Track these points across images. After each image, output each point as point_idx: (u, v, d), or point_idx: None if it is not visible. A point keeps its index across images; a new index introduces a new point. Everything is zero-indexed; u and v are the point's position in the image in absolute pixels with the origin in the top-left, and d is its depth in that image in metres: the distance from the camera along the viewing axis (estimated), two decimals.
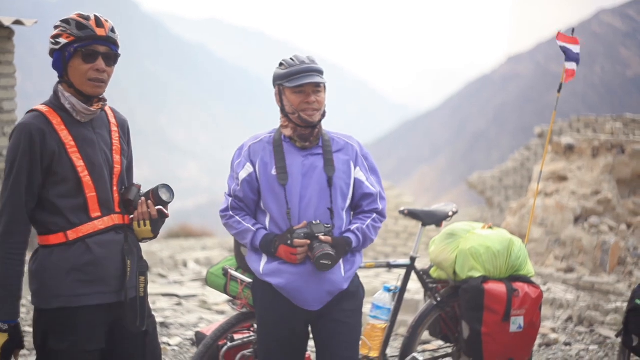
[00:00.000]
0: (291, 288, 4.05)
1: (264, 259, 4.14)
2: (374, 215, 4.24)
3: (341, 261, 4.12)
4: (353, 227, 4.16)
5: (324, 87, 4.11)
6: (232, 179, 4.19)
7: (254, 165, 4.14)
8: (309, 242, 3.98)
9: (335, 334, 4.14)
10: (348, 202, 4.18)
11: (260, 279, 4.16)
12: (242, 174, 4.15)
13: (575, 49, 6.11)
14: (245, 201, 4.17)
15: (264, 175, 4.11)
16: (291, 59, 4.13)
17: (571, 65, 6.10)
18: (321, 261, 3.94)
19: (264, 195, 4.11)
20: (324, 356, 4.17)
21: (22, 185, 3.50)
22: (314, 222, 4.03)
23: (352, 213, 4.26)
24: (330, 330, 4.14)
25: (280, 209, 4.08)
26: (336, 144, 4.21)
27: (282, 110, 4.15)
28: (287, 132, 4.15)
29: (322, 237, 4.00)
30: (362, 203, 4.23)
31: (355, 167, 4.21)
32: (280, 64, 4.15)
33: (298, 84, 4.02)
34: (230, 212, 4.20)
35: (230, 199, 4.20)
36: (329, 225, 4.05)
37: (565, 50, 6.10)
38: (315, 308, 4.09)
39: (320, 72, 4.08)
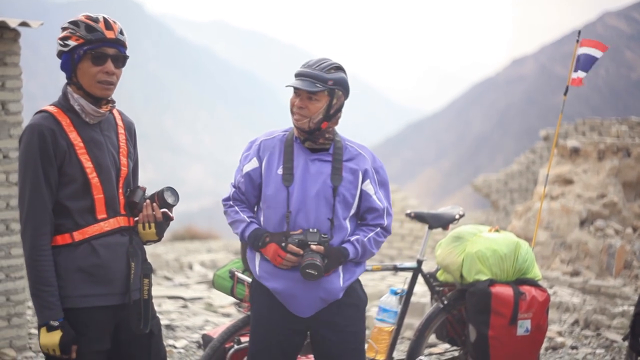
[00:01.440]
0: (287, 294, 4.01)
1: (258, 258, 4.09)
2: (378, 229, 4.14)
3: (341, 269, 4.05)
4: (353, 238, 4.07)
5: (329, 96, 3.99)
6: (238, 170, 4.16)
7: (260, 161, 4.09)
8: (302, 252, 3.92)
9: (336, 345, 4.10)
10: (352, 211, 4.09)
11: (257, 280, 4.13)
12: (247, 167, 4.10)
13: (597, 54, 6.10)
14: (246, 194, 4.14)
15: (267, 173, 4.06)
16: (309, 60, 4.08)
17: (580, 74, 6.11)
18: (307, 270, 3.87)
19: (265, 193, 4.06)
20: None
21: (41, 185, 3.50)
22: (310, 230, 3.96)
23: (357, 222, 4.19)
24: (330, 340, 4.09)
25: (278, 210, 4.02)
26: (348, 153, 4.11)
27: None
28: (296, 131, 4.10)
29: (314, 247, 3.91)
30: (367, 216, 4.14)
31: (364, 180, 4.10)
32: None
33: (288, 85, 3.99)
34: (231, 202, 4.18)
35: (234, 189, 4.17)
36: (326, 236, 3.96)
37: (581, 58, 6.10)
38: (307, 315, 4.05)
39: (319, 80, 3.95)
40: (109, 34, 3.57)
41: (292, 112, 4.03)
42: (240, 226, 4.11)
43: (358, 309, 4.18)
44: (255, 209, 4.21)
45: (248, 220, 4.10)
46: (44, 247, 3.49)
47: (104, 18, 3.60)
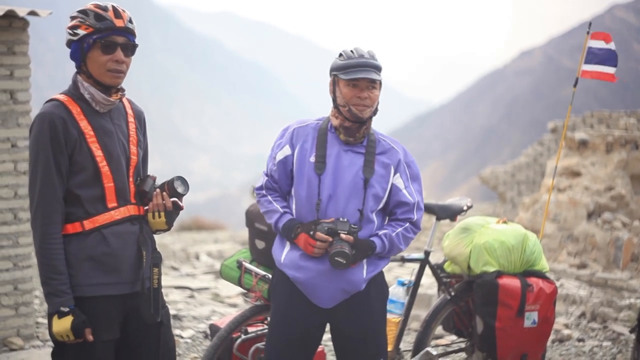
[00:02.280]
0: (308, 284, 4.01)
1: (287, 247, 4.09)
2: (407, 224, 4.13)
3: (365, 262, 4.06)
4: (381, 232, 4.08)
5: (380, 84, 4.04)
6: (271, 159, 4.16)
7: (293, 149, 4.09)
8: (330, 239, 3.93)
9: (360, 331, 4.10)
10: (381, 205, 4.09)
11: (279, 269, 4.12)
12: (279, 155, 4.10)
13: (604, 45, 6.08)
14: (279, 183, 4.13)
15: (300, 161, 4.06)
16: (351, 51, 4.06)
17: (609, 69, 6.09)
18: (336, 258, 3.89)
19: (296, 181, 4.06)
20: (350, 351, 4.13)
21: (52, 173, 3.51)
22: (341, 219, 3.97)
23: (386, 217, 4.19)
24: (352, 333, 4.10)
25: (310, 198, 4.02)
26: (380, 146, 4.13)
27: (334, 101, 4.07)
28: (335, 122, 4.08)
29: (343, 236, 3.93)
30: (397, 210, 4.14)
31: (395, 173, 4.11)
32: (340, 55, 4.08)
33: (352, 77, 3.96)
34: (264, 191, 4.18)
35: (266, 178, 4.18)
36: (355, 226, 3.97)
37: (593, 52, 6.08)
38: (328, 306, 4.05)
39: (377, 69, 4.00)
40: (119, 23, 3.58)
41: (353, 104, 3.99)
42: (273, 216, 4.12)
43: (382, 301, 4.20)
44: (287, 197, 4.19)
45: (282, 210, 4.10)
46: (55, 235, 3.50)
47: (113, 7, 3.61)
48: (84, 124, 3.57)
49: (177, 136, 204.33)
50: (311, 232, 3.97)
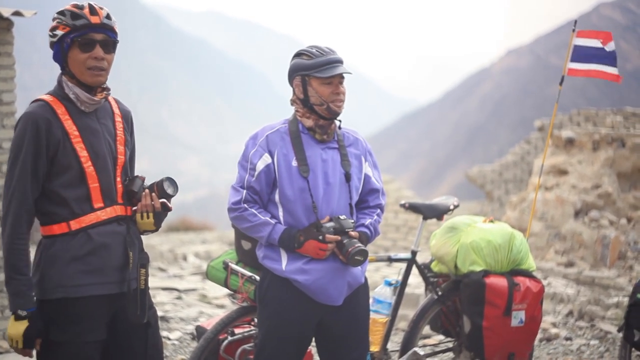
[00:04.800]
0: (318, 285, 3.97)
1: (284, 257, 4.02)
2: (378, 210, 4.21)
3: None
4: (366, 222, 4.13)
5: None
6: (246, 170, 4.03)
7: (272, 156, 4.00)
8: (339, 238, 3.94)
9: (351, 328, 4.11)
10: (358, 195, 4.16)
11: (280, 276, 4.01)
12: (260, 165, 3.99)
13: (596, 43, 6.06)
14: (261, 193, 4.02)
15: (283, 167, 3.98)
16: (316, 49, 4.02)
17: (612, 70, 6.08)
18: (356, 257, 3.92)
19: (283, 187, 3.98)
20: (340, 350, 4.13)
21: (28, 174, 3.49)
22: (340, 217, 3.98)
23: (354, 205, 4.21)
24: (346, 325, 4.10)
25: (303, 202, 3.98)
26: (347, 139, 4.16)
27: (305, 101, 4.02)
28: (308, 123, 4.05)
29: (352, 233, 3.96)
30: (369, 198, 4.20)
31: (365, 162, 4.17)
32: (302, 54, 4.04)
33: (331, 75, 3.94)
34: (245, 205, 4.03)
35: (244, 191, 4.02)
36: (353, 221, 4.00)
37: (581, 49, 6.06)
38: (338, 302, 4.03)
39: (343, 63, 4.02)
40: (94, 19, 3.57)
41: (331, 101, 3.99)
42: (265, 229, 3.99)
43: (367, 294, 4.24)
44: (268, 206, 4.11)
45: (273, 222, 4.00)
46: (22, 235, 3.49)
47: (89, 4, 3.61)
48: (68, 124, 3.56)
49: (166, 136, 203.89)
50: (320, 237, 3.93)
